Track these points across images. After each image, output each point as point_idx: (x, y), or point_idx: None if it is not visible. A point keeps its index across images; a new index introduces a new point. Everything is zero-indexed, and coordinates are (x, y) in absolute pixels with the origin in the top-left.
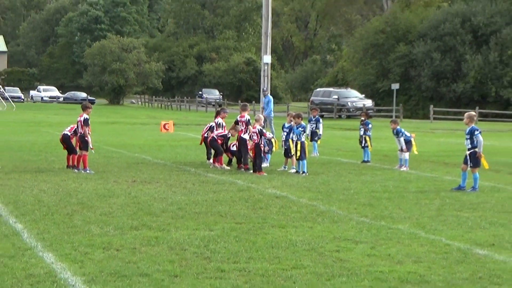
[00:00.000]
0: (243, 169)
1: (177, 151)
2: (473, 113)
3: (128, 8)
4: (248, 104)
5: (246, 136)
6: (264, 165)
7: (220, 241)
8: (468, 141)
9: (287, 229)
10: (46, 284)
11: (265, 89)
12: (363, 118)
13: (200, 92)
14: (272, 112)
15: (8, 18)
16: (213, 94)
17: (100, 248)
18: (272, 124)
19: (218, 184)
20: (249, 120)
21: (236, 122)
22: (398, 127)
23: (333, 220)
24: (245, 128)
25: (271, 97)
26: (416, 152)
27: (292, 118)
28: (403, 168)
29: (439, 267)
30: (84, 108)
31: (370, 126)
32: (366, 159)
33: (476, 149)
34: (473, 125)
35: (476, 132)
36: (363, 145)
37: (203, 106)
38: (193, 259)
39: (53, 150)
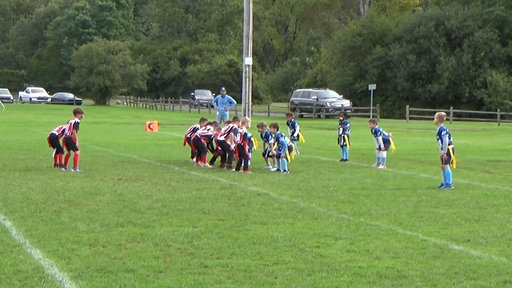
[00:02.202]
0: (225, 168)
1: (162, 150)
2: (443, 113)
3: (114, 12)
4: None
5: (221, 138)
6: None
7: (204, 237)
8: (439, 140)
9: (268, 226)
10: (34, 280)
11: (223, 89)
12: (341, 118)
13: (193, 94)
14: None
15: None
16: (206, 95)
17: (87, 244)
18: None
19: (201, 182)
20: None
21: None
22: (377, 126)
23: (313, 216)
24: (226, 130)
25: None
26: (394, 150)
27: (269, 128)
28: (381, 166)
29: (416, 263)
30: (76, 113)
31: (348, 125)
32: (344, 158)
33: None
34: (442, 125)
35: (442, 133)
36: (341, 144)
37: (195, 107)
38: (177, 255)
39: (42, 150)
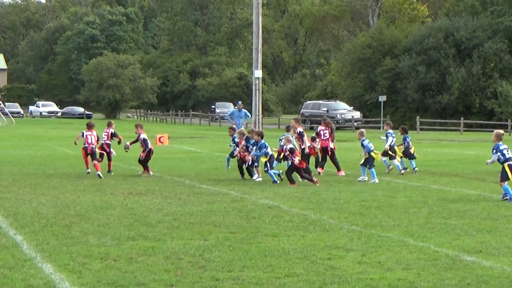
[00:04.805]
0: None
1: (172, 164)
2: (501, 131)
3: (124, 26)
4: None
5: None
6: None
7: (215, 250)
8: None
9: (279, 238)
10: None
11: (239, 103)
12: (400, 133)
13: (213, 106)
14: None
15: (8, 37)
16: (228, 108)
17: (98, 258)
18: None
19: (212, 195)
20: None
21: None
22: (363, 138)
23: (325, 228)
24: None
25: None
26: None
27: (254, 135)
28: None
29: (428, 274)
30: (110, 124)
31: (408, 139)
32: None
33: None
34: (498, 142)
35: (494, 151)
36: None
37: (215, 120)
38: (189, 268)
39: (52, 164)
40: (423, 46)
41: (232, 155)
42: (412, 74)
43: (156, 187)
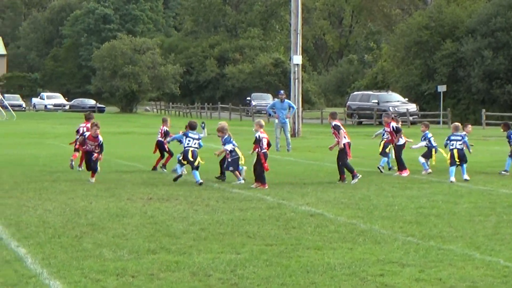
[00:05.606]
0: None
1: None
2: None
3: (141, 4)
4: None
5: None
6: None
7: (249, 265)
8: None
9: (323, 251)
10: None
11: (281, 92)
12: (502, 130)
13: (249, 98)
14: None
15: (7, 17)
16: (266, 100)
17: (114, 274)
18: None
19: (244, 201)
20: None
21: None
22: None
23: (376, 240)
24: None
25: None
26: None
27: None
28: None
29: None
30: (165, 121)
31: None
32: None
33: None
34: None
35: None
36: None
37: (248, 114)
38: (219, 286)
39: (59, 165)
40: (490, 27)
41: None
42: (476, 60)
43: (180, 191)
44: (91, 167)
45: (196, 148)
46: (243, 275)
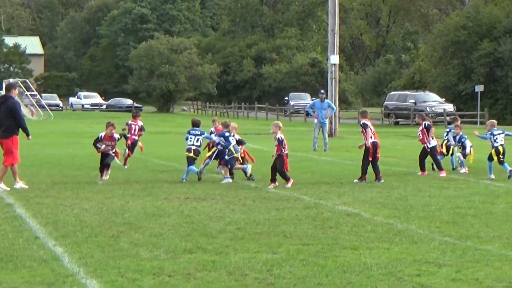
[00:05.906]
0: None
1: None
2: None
3: (178, 4)
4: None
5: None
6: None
7: (285, 265)
8: None
9: (360, 251)
10: None
11: (322, 92)
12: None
13: (287, 98)
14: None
15: (45, 17)
16: (304, 100)
17: (150, 274)
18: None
19: (281, 200)
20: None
21: None
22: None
23: (413, 240)
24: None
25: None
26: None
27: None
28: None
29: None
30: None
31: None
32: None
33: None
34: None
35: None
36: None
37: (285, 115)
38: (255, 286)
39: (96, 164)
40: None
41: None
42: None
43: (217, 191)
44: (103, 166)
45: (198, 146)
46: (280, 275)
